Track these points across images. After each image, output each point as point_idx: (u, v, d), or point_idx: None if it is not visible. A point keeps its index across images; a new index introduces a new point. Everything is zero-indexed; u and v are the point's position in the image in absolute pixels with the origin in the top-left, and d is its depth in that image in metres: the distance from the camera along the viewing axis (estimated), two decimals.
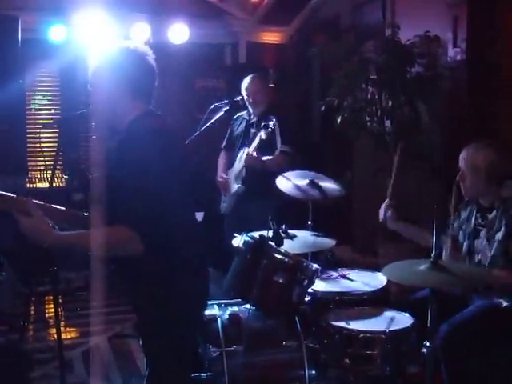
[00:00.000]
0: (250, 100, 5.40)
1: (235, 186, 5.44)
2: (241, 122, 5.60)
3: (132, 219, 2.49)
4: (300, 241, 3.84)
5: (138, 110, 2.72)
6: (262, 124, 5.18)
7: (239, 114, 5.64)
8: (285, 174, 4.46)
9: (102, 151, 2.76)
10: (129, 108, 2.72)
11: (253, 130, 5.41)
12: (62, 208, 2.77)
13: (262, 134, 5.07)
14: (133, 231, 2.47)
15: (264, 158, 5.20)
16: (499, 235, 3.41)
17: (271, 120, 5.25)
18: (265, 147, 5.24)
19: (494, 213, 3.48)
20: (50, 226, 2.49)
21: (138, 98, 2.73)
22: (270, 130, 5.05)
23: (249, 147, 5.25)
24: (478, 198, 3.59)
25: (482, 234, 3.54)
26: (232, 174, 5.52)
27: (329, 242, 3.96)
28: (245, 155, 5.27)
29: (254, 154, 5.16)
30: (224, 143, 5.75)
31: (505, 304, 3.43)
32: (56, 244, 2.52)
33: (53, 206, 2.75)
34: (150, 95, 2.78)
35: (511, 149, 3.81)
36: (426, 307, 2.93)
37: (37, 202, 2.62)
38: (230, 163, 5.59)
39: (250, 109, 5.48)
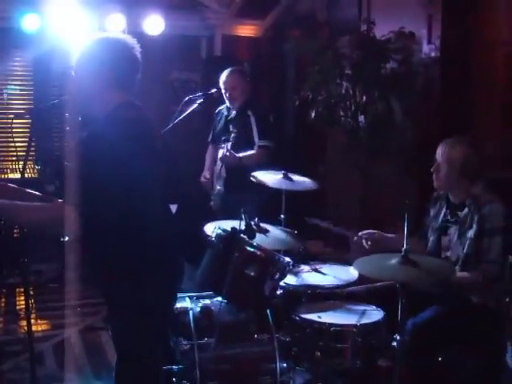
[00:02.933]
0: (227, 95, 5.39)
1: (217, 187, 5.48)
2: (221, 118, 5.59)
3: (94, 210, 2.50)
4: (272, 237, 3.84)
5: (118, 100, 2.72)
6: (211, 136, 5.44)
7: (220, 107, 5.63)
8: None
9: (76, 140, 2.76)
10: (109, 98, 2.71)
11: (231, 127, 5.40)
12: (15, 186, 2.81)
13: (225, 149, 5.22)
14: (75, 212, 2.46)
15: (240, 155, 5.20)
16: (471, 233, 3.43)
17: (248, 116, 5.29)
18: (242, 143, 5.27)
19: (466, 210, 3.50)
20: None
21: (120, 88, 2.73)
22: (228, 144, 5.24)
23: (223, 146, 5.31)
24: (449, 193, 3.62)
25: (451, 230, 3.57)
26: (215, 171, 5.54)
27: (297, 243, 3.96)
28: (220, 154, 5.31)
29: (228, 154, 5.17)
30: (210, 137, 5.76)
31: (474, 299, 3.48)
32: None
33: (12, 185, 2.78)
34: (131, 86, 2.79)
35: (483, 145, 3.86)
36: (396, 301, 2.96)
37: None
38: (217, 159, 5.59)
39: (228, 103, 5.47)
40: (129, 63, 2.75)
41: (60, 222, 2.46)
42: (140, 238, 2.65)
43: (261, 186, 4.43)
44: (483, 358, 3.40)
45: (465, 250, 3.45)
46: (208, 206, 5.61)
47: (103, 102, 2.72)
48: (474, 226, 3.42)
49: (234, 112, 5.45)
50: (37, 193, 2.87)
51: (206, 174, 5.67)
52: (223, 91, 5.39)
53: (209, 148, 5.79)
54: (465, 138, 3.64)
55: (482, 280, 3.37)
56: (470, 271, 3.41)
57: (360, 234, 3.83)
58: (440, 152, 3.56)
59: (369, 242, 3.76)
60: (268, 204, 4.91)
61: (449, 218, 3.61)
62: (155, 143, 2.78)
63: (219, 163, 5.43)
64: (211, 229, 3.62)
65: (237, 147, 5.25)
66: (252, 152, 5.29)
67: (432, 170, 3.59)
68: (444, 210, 3.65)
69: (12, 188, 2.81)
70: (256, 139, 5.32)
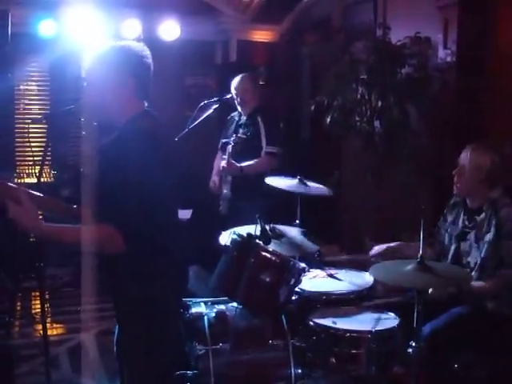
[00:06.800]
0: (239, 100, 5.39)
1: (224, 191, 5.46)
2: (231, 124, 5.58)
3: (117, 218, 2.53)
4: (287, 242, 3.83)
5: (136, 109, 2.76)
6: (221, 142, 5.28)
7: (232, 114, 5.63)
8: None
9: (93, 147, 2.79)
10: (129, 106, 2.75)
11: (241, 131, 5.39)
12: (52, 199, 2.82)
13: (226, 157, 5.19)
14: (116, 230, 2.51)
15: (243, 164, 5.19)
16: (489, 237, 3.42)
17: (258, 122, 5.27)
18: (248, 147, 5.26)
19: (483, 215, 3.48)
20: (38, 215, 2.54)
21: (139, 96, 2.78)
22: (229, 147, 5.18)
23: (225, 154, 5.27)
24: (467, 198, 3.60)
25: (470, 236, 3.55)
26: (222, 176, 5.52)
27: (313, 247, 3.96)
28: (221, 164, 5.29)
29: (226, 165, 5.17)
30: (220, 144, 5.72)
31: (489, 306, 3.45)
32: (40, 234, 2.59)
33: (43, 196, 2.80)
34: (148, 92, 2.83)
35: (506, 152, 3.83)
36: (412, 307, 2.94)
37: (28, 190, 2.70)
38: None
39: (239, 108, 5.47)
40: (145, 70, 2.80)
41: (106, 244, 2.55)
42: (153, 244, 2.67)
43: (269, 189, 4.43)
44: (500, 366, 3.37)
45: (482, 254, 3.43)
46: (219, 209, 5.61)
47: (122, 110, 2.75)
48: (492, 229, 3.40)
49: (245, 118, 5.47)
50: (44, 196, 2.91)
51: (215, 179, 5.62)
52: (234, 96, 5.40)
53: (218, 154, 5.75)
54: (492, 142, 3.62)
55: (502, 286, 3.35)
56: (487, 279, 3.39)
57: (371, 254, 3.85)
58: (467, 156, 3.53)
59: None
60: (280, 209, 4.90)
61: (467, 223, 3.59)
62: (169, 153, 2.80)
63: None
64: (226, 237, 3.62)
65: (242, 152, 5.24)
66: (258, 160, 5.28)
67: (454, 172, 3.57)
68: (462, 216, 3.63)
69: (35, 196, 2.83)
70: (264, 145, 5.32)
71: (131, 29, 6.84)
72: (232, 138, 5.26)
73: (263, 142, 5.32)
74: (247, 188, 5.18)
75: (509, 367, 3.37)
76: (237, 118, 5.55)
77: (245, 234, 3.47)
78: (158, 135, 2.74)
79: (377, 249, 3.89)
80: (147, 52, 2.81)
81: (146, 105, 2.83)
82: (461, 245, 3.60)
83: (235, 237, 3.49)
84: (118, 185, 2.54)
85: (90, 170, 2.65)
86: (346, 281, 3.88)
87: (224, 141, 5.37)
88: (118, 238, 2.52)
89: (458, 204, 3.69)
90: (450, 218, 3.73)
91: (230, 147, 5.23)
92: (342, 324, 3.32)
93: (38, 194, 2.84)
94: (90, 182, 2.61)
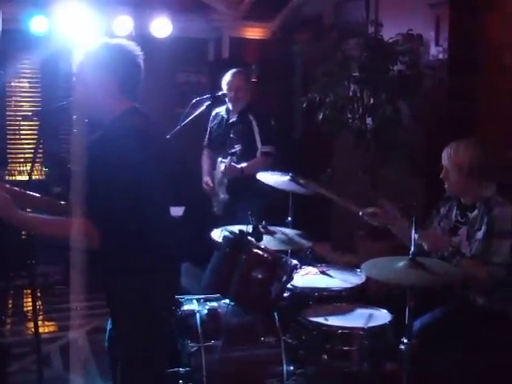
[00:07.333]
0: (231, 96, 5.32)
1: (220, 195, 5.40)
2: (220, 121, 5.50)
3: (98, 214, 2.53)
4: (279, 239, 3.84)
5: (124, 106, 2.76)
6: (229, 152, 5.16)
7: (217, 110, 5.54)
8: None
9: (83, 144, 2.78)
10: (115, 103, 2.75)
11: (232, 133, 5.34)
12: (36, 194, 2.85)
13: (227, 162, 5.10)
14: (93, 226, 2.52)
15: (243, 165, 5.16)
16: (479, 234, 3.42)
17: (250, 121, 5.25)
18: (245, 151, 5.22)
19: (476, 212, 3.48)
20: (12, 204, 2.53)
21: (123, 93, 2.76)
22: (234, 157, 5.09)
23: (225, 158, 5.19)
24: (461, 196, 3.60)
25: (461, 231, 3.56)
26: (216, 178, 5.46)
27: (305, 242, 3.96)
28: (222, 167, 5.23)
29: (229, 167, 5.12)
30: (206, 141, 5.67)
31: (479, 301, 3.46)
32: (15, 223, 2.58)
33: (27, 192, 2.80)
34: (135, 92, 2.82)
35: (491, 147, 3.83)
36: (403, 303, 2.95)
37: (7, 185, 2.73)
38: (214, 163, 5.51)
39: (230, 105, 5.39)
40: (132, 69, 2.79)
41: (79, 237, 2.52)
42: (143, 240, 2.68)
43: (264, 189, 4.42)
44: (492, 362, 3.38)
45: (472, 252, 3.44)
46: (213, 209, 5.58)
47: (108, 106, 2.75)
48: (484, 227, 3.40)
49: (235, 116, 5.39)
50: (37, 194, 2.91)
51: (208, 180, 5.53)
52: (226, 92, 5.32)
53: (204, 152, 5.69)
54: (470, 139, 3.61)
55: (487, 280, 3.35)
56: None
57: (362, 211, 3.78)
58: (445, 157, 3.53)
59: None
60: (274, 207, 4.90)
61: (459, 218, 3.60)
62: (159, 150, 2.79)
63: (220, 172, 5.35)
64: (218, 234, 3.63)
65: (240, 157, 5.19)
66: (255, 160, 5.24)
67: (441, 176, 3.56)
68: (455, 210, 3.64)
69: (14, 191, 2.82)
70: (259, 145, 5.29)
71: (123, 26, 6.81)
72: (237, 149, 5.20)
73: (258, 142, 5.28)
74: (243, 188, 5.14)
75: (499, 362, 3.39)
76: (225, 116, 5.46)
77: (237, 231, 3.47)
78: (148, 132, 2.74)
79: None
80: (138, 51, 2.80)
81: (135, 103, 2.82)
82: (452, 239, 3.61)
83: (227, 234, 3.49)
84: (101, 182, 2.54)
85: (79, 168, 2.64)
86: (338, 277, 3.89)
87: (231, 151, 5.23)
88: (93, 234, 2.53)
89: (452, 198, 3.69)
90: (443, 211, 3.73)
91: (233, 158, 5.13)
92: (334, 321, 3.33)
93: (30, 192, 2.83)
94: (80, 179, 2.60)
